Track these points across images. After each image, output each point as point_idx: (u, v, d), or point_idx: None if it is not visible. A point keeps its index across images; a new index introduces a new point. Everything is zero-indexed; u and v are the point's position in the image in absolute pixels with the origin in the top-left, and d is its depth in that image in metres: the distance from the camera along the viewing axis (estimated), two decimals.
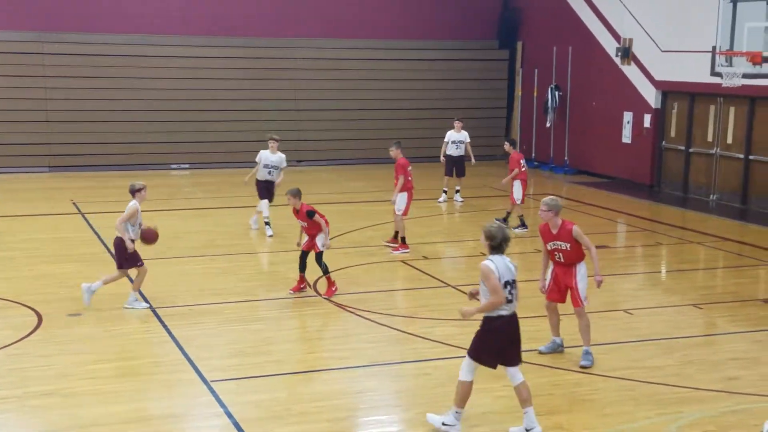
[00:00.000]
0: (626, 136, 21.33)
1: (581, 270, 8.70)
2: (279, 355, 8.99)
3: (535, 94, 24.53)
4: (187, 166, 23.26)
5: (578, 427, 7.27)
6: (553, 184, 21.57)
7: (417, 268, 12.72)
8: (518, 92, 25.50)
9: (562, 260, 8.68)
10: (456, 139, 18.58)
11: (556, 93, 23.35)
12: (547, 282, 8.88)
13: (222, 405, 7.63)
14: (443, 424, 7.10)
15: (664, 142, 20.49)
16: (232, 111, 23.61)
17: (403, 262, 13.11)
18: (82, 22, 22.71)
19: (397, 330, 9.78)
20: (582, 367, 8.61)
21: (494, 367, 7.10)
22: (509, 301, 6.96)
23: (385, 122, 24.66)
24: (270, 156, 14.85)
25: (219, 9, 23.59)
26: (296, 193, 11.00)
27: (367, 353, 9.16)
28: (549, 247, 8.73)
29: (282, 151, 15.04)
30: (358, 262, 12.95)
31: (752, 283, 12.68)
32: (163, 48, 23.19)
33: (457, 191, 18.57)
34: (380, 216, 16.13)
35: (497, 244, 7.00)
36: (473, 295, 7.34)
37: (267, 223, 14.75)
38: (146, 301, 10.66)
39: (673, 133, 20.30)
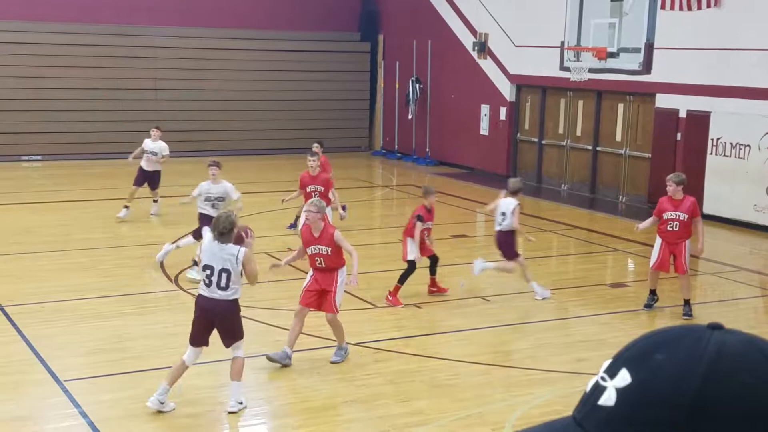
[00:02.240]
0: (484, 129, 21.96)
1: (341, 277, 8.45)
2: (137, 352, 8.79)
3: (396, 86, 24.86)
4: (39, 157, 22.26)
5: (436, 412, 7.48)
6: (416, 175, 21.95)
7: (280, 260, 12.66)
8: (380, 85, 25.79)
9: (323, 265, 8.36)
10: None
11: (417, 86, 23.76)
12: (284, 261, 9.03)
13: (76, 405, 7.39)
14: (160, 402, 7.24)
15: (518, 134, 21.24)
16: (86, 101, 22.74)
17: (267, 254, 13.03)
18: None
19: (259, 322, 9.73)
20: (332, 362, 8.41)
21: (205, 344, 7.42)
22: (207, 285, 7.28)
23: (246, 113, 24.40)
24: (150, 144, 15.37)
25: None
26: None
27: None
28: (309, 252, 8.40)
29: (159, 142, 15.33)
30: None
31: (600, 268, 13.38)
32: (9, 34, 22.04)
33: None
34: (247, 207, 15.93)
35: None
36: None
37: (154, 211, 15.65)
38: None
39: (527, 126, 21.06)
